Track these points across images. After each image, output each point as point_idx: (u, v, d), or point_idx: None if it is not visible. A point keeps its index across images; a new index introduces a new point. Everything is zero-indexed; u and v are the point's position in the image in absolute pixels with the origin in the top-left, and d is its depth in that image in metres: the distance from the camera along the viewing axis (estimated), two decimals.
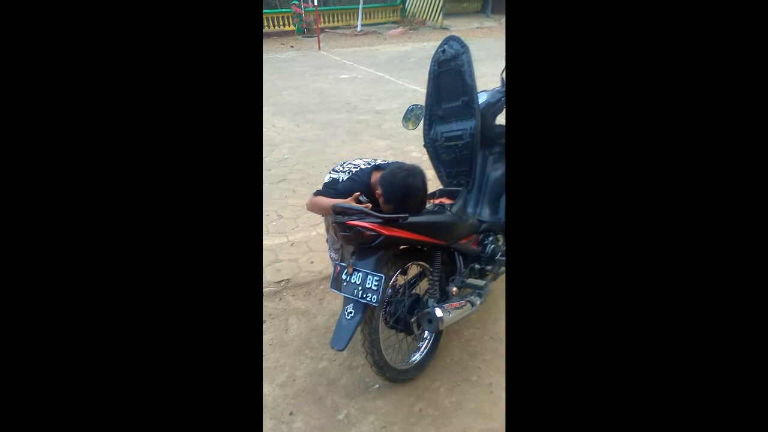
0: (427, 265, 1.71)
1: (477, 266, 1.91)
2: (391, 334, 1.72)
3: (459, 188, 1.95)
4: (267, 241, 2.73)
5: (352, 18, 12.15)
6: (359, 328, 1.48)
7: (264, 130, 4.78)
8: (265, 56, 8.87)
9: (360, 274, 1.45)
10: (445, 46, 1.89)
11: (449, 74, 1.90)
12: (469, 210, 2.03)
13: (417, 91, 6.00)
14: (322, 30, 11.11)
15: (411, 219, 1.46)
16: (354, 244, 1.51)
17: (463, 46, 1.84)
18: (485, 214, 2.04)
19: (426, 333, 1.76)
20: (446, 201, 1.85)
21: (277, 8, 11.24)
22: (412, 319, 1.65)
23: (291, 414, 1.61)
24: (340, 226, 1.44)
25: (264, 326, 2.06)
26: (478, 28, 11.70)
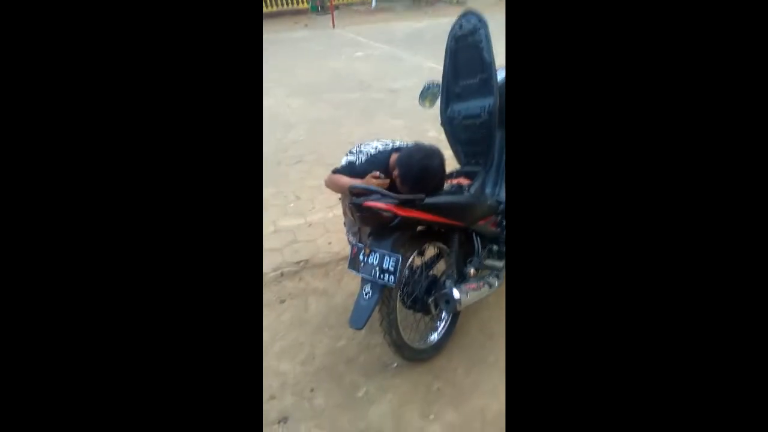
0: (444, 246, 1.70)
1: (495, 247, 1.89)
2: (408, 314, 1.73)
3: (477, 168, 1.92)
4: (285, 222, 2.76)
5: None
6: (377, 308, 1.50)
7: (279, 110, 4.77)
8: (278, 35, 8.78)
9: (377, 254, 1.46)
10: (462, 21, 1.83)
11: (467, 50, 1.84)
12: (488, 190, 2.00)
13: (433, 69, 5.87)
14: (336, 7, 10.89)
15: (428, 200, 1.44)
16: (371, 224, 1.51)
17: (481, 20, 1.78)
18: (504, 194, 2.01)
19: (443, 313, 1.77)
20: (464, 181, 1.83)
21: None
22: (430, 300, 1.65)
23: (312, 390, 1.66)
24: (357, 207, 1.44)
25: (284, 306, 2.10)
26: (496, 2, 11.31)
